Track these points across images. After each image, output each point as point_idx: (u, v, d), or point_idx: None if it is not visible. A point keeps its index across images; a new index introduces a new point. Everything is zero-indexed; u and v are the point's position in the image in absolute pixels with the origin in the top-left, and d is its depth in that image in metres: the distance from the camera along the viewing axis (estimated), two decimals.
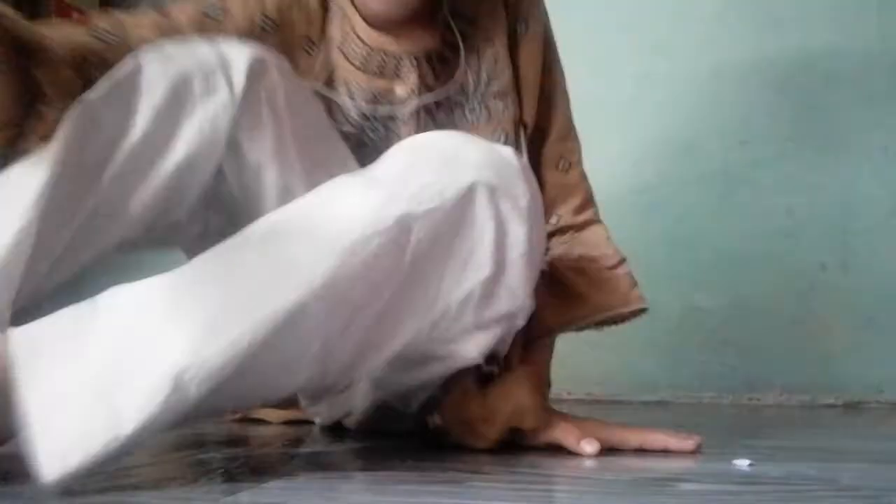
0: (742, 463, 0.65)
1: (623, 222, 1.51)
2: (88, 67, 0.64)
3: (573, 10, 1.57)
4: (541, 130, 0.84)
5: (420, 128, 0.78)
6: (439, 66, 0.80)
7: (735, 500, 0.50)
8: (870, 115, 1.45)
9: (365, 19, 0.78)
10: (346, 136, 0.76)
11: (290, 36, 0.76)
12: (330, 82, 0.78)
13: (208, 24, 0.73)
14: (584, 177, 0.87)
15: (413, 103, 0.79)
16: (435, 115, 0.80)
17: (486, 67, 0.80)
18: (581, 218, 0.85)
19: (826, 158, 1.47)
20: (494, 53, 0.81)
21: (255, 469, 0.61)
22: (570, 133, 0.86)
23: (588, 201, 0.87)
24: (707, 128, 1.51)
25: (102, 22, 0.69)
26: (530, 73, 0.83)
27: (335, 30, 0.78)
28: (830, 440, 0.91)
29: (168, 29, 0.71)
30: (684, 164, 1.51)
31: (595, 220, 0.87)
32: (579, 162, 0.86)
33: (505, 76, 0.81)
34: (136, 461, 0.65)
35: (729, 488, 0.54)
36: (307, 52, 0.77)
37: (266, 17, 0.74)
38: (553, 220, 0.84)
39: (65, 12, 1.57)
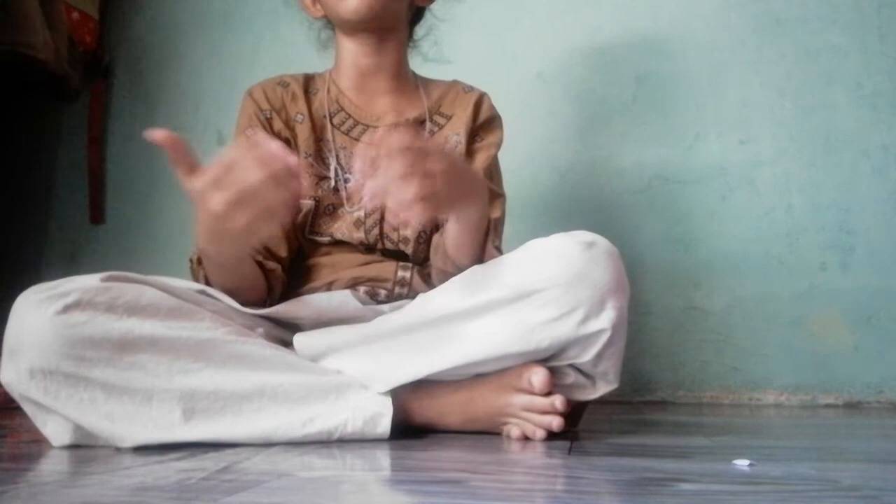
0: (742, 463, 0.65)
1: (623, 222, 1.52)
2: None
3: (574, 9, 1.58)
4: None
5: None
6: None
7: (735, 500, 0.50)
8: (870, 114, 1.45)
9: (351, 77, 1.05)
10: (325, 181, 1.00)
11: (285, 113, 1.02)
12: (321, 139, 1.02)
13: None
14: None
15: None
16: None
17: (449, 147, 1.03)
18: None
19: (826, 158, 1.47)
20: (458, 141, 1.04)
21: (255, 469, 0.61)
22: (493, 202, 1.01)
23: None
24: (707, 128, 1.51)
25: None
26: (476, 163, 1.04)
27: (321, 105, 1.03)
28: (830, 440, 0.91)
29: None
30: (684, 164, 1.51)
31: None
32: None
33: (460, 157, 1.02)
34: (136, 461, 0.65)
35: (729, 488, 0.54)
36: (298, 122, 1.02)
37: (263, 110, 1.02)
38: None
39: (65, 12, 1.56)
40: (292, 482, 0.55)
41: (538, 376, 0.80)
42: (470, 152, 1.04)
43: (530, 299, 0.78)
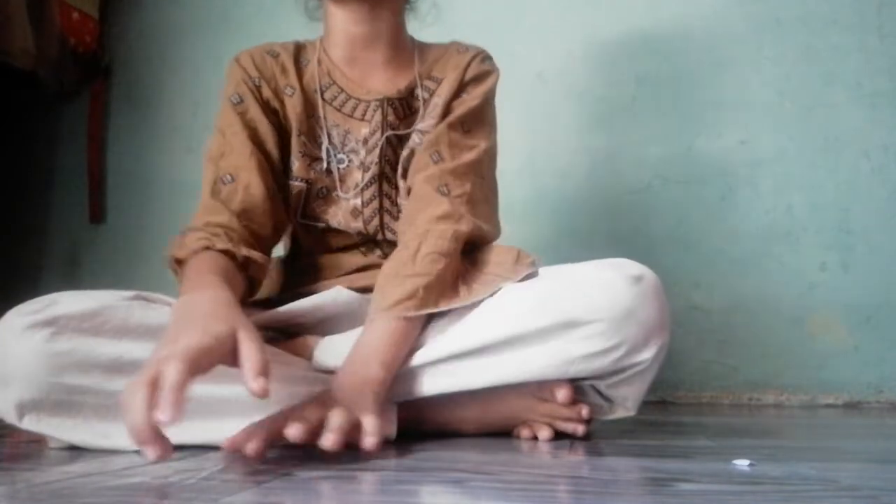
0: (742, 463, 0.65)
1: (623, 222, 1.52)
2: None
3: (574, 9, 1.58)
4: (439, 154, 0.93)
5: (378, 157, 0.95)
6: (401, 109, 0.96)
7: (735, 500, 0.50)
8: (870, 114, 1.45)
9: (343, 59, 0.96)
10: (317, 161, 0.95)
11: (275, 83, 0.95)
12: (312, 116, 0.95)
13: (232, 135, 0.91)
14: (464, 209, 0.89)
15: (374, 139, 0.95)
16: (391, 145, 0.95)
17: (430, 111, 0.96)
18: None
19: (826, 158, 1.47)
20: (437, 103, 0.95)
21: (254, 469, 0.61)
22: (467, 177, 0.92)
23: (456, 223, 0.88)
24: (706, 128, 1.51)
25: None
26: (454, 115, 0.95)
27: (312, 78, 0.96)
28: (830, 440, 0.91)
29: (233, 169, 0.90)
30: (684, 164, 1.51)
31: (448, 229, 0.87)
32: (464, 201, 0.90)
33: (436, 118, 0.94)
34: (137, 462, 0.65)
35: (729, 488, 0.54)
36: (288, 95, 0.95)
37: (251, 77, 0.94)
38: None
39: (65, 13, 1.57)
40: (292, 482, 0.55)
41: (562, 392, 0.80)
42: (446, 112, 0.95)
43: (575, 331, 0.76)
